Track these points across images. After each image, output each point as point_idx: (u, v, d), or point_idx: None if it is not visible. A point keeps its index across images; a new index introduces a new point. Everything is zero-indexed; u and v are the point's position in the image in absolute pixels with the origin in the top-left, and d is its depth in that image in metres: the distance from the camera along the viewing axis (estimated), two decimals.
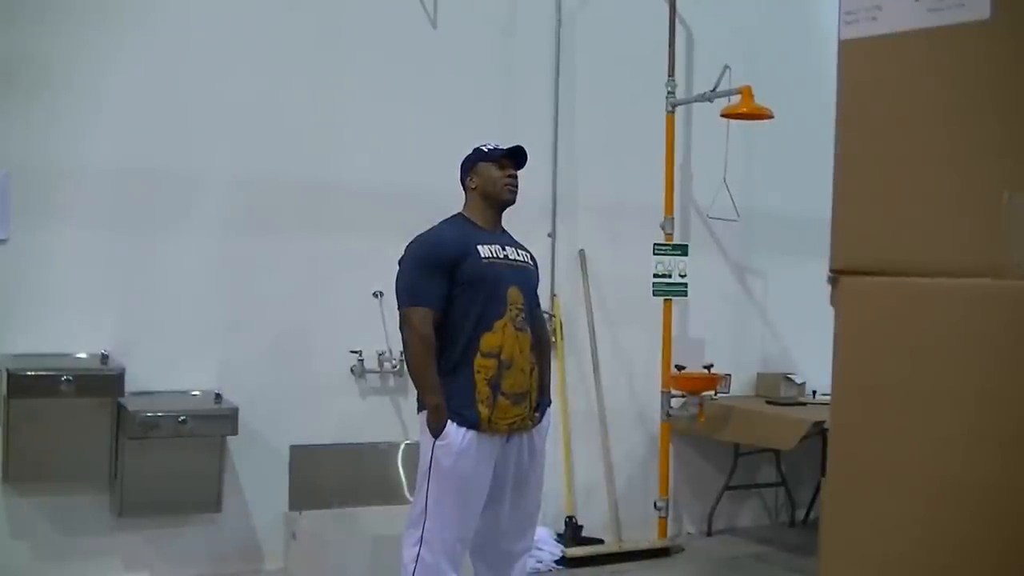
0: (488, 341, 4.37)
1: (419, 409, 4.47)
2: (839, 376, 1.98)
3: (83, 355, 5.52)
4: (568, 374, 6.89)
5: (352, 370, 6.25)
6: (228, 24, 5.94)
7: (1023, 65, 1.70)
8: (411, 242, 4.55)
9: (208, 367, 5.88)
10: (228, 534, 5.95)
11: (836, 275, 1.94)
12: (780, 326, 7.77)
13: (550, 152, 6.81)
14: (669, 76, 6.94)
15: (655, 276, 6.80)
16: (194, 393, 5.79)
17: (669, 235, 6.91)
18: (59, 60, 5.53)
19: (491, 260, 4.46)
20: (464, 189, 4.68)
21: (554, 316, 6.82)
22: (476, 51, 6.66)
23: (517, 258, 4.60)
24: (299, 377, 6.12)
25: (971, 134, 1.75)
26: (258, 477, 6.01)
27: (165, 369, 5.77)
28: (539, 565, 6.28)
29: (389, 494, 6.20)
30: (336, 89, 6.23)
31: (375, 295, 6.23)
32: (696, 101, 6.91)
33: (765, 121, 6.52)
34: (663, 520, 6.98)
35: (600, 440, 6.98)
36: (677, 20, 7.06)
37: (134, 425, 5.22)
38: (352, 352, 6.23)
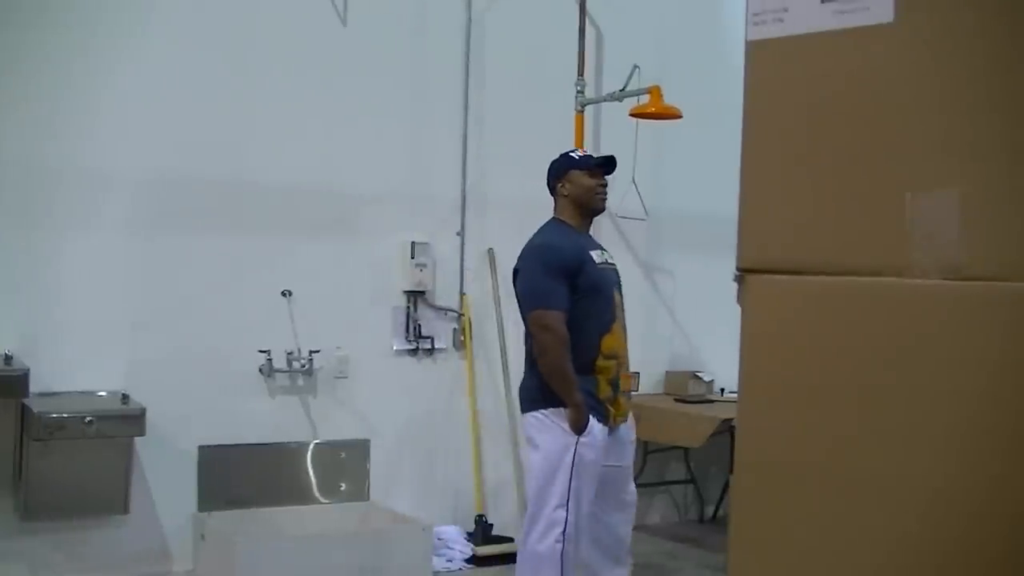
0: (608, 343, 4.57)
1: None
2: (746, 374, 2.00)
3: None
4: (477, 373, 6.90)
5: (260, 370, 6.19)
6: (132, 19, 5.85)
7: (924, 68, 1.73)
8: (530, 249, 4.70)
9: (115, 367, 5.80)
10: (136, 536, 5.87)
11: (743, 273, 1.96)
12: (689, 324, 7.83)
13: (460, 150, 6.80)
14: (578, 75, 6.97)
15: None
16: (100, 394, 5.70)
17: None
18: None
19: (602, 266, 4.66)
20: (554, 194, 4.82)
21: (463, 315, 6.82)
22: (387, 49, 6.61)
23: (611, 262, 4.80)
24: (207, 377, 6.06)
25: (875, 135, 1.78)
26: (166, 478, 5.94)
27: (71, 369, 5.68)
28: (449, 564, 6.28)
29: (299, 494, 6.18)
30: (245, 85, 6.17)
31: (284, 294, 6.19)
32: (605, 100, 6.95)
33: (674, 121, 6.57)
34: None
35: (509, 439, 6.99)
36: (587, 20, 7.09)
37: (39, 427, 5.13)
38: (260, 352, 6.17)
